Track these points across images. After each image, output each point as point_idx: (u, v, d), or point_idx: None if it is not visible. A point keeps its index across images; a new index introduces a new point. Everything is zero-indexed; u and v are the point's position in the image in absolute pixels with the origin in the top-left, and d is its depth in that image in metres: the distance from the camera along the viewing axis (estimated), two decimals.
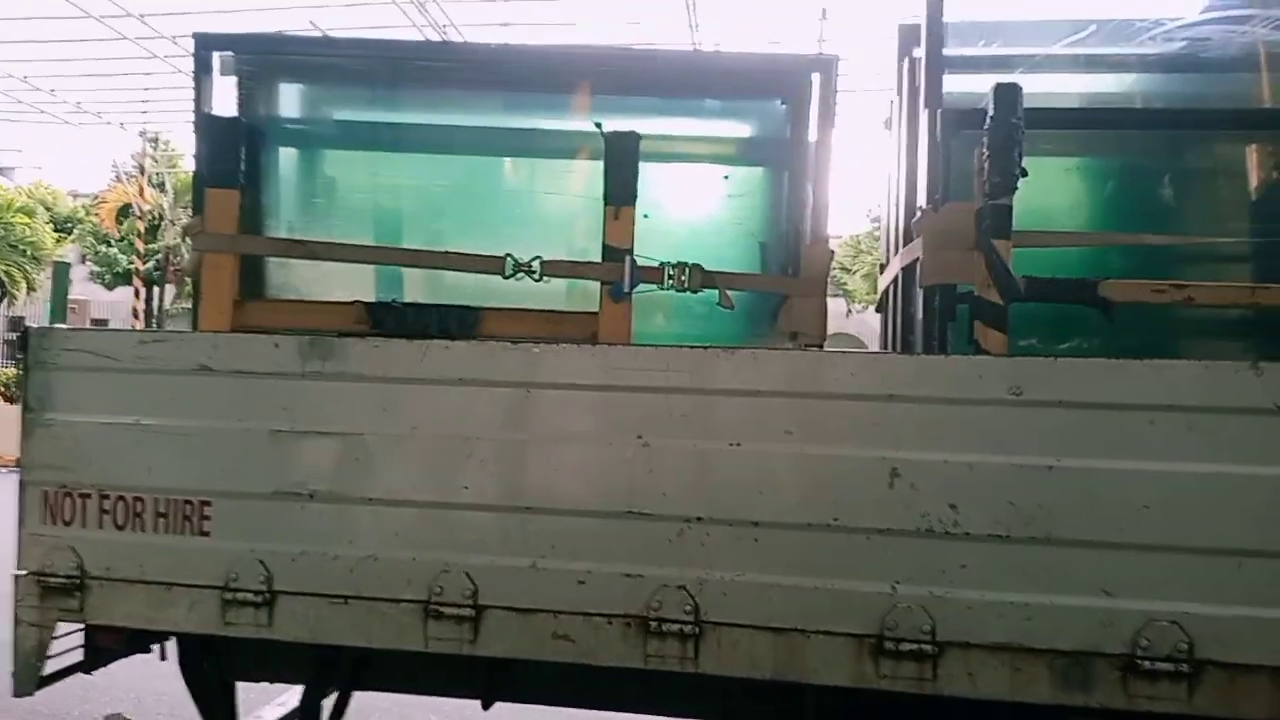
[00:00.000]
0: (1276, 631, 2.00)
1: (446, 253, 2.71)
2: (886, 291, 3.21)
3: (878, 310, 3.43)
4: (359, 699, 3.00)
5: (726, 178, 2.96)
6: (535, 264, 2.60)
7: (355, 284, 3.00)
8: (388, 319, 2.54)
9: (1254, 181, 2.70)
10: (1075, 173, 2.77)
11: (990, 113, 2.26)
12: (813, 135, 2.75)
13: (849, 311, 21.47)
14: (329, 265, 3.00)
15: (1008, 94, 2.24)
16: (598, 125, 2.68)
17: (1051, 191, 2.74)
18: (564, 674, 2.33)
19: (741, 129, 3.14)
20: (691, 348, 2.26)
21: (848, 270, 22.28)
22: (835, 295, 22.54)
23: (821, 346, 2.71)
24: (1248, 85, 2.69)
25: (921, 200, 2.59)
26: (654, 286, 2.66)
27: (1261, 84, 2.64)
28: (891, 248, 3.15)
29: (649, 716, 2.56)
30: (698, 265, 2.59)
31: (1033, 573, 2.09)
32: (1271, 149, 2.66)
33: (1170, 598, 2.04)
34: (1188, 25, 2.72)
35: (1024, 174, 2.25)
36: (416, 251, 2.77)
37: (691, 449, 2.21)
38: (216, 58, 3.03)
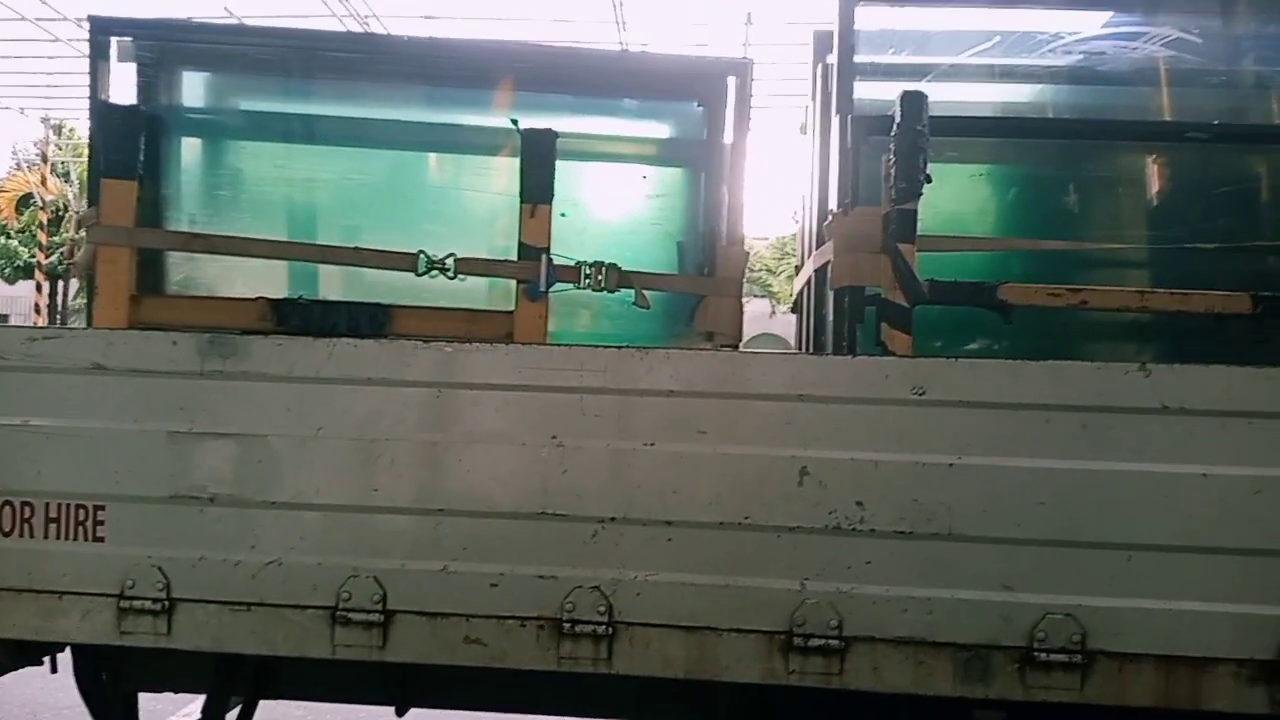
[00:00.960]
0: (1161, 622, 2.10)
1: (356, 249, 2.65)
2: (801, 293, 3.27)
3: (793, 311, 3.49)
4: (273, 708, 2.91)
5: (645, 178, 2.97)
6: (449, 261, 2.57)
7: (266, 281, 2.91)
8: (293, 316, 2.47)
9: (1150, 190, 2.83)
10: (981, 179, 2.86)
11: (897, 120, 2.32)
12: (729, 138, 2.78)
13: (773, 312, 21.81)
14: (235, 261, 2.91)
15: (913, 102, 2.30)
16: (514, 122, 2.66)
17: (959, 198, 2.83)
18: (478, 678, 2.31)
19: (660, 130, 3.16)
20: (606, 347, 2.26)
21: (773, 272, 22.65)
22: (761, 296, 22.92)
23: (737, 346, 2.74)
24: (1140, 98, 2.83)
25: (833, 204, 2.64)
26: (571, 286, 2.65)
27: (1152, 97, 2.78)
28: (807, 250, 3.20)
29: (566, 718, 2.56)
30: (614, 265, 2.59)
31: (935, 568, 2.14)
32: (1166, 159, 2.79)
33: (1065, 591, 2.12)
34: (1085, 40, 2.84)
35: (928, 180, 2.32)
36: (324, 247, 2.71)
37: (606, 449, 2.21)
38: (114, 43, 2.91)
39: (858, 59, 2.76)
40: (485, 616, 2.17)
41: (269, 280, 2.92)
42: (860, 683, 2.14)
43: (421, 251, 2.58)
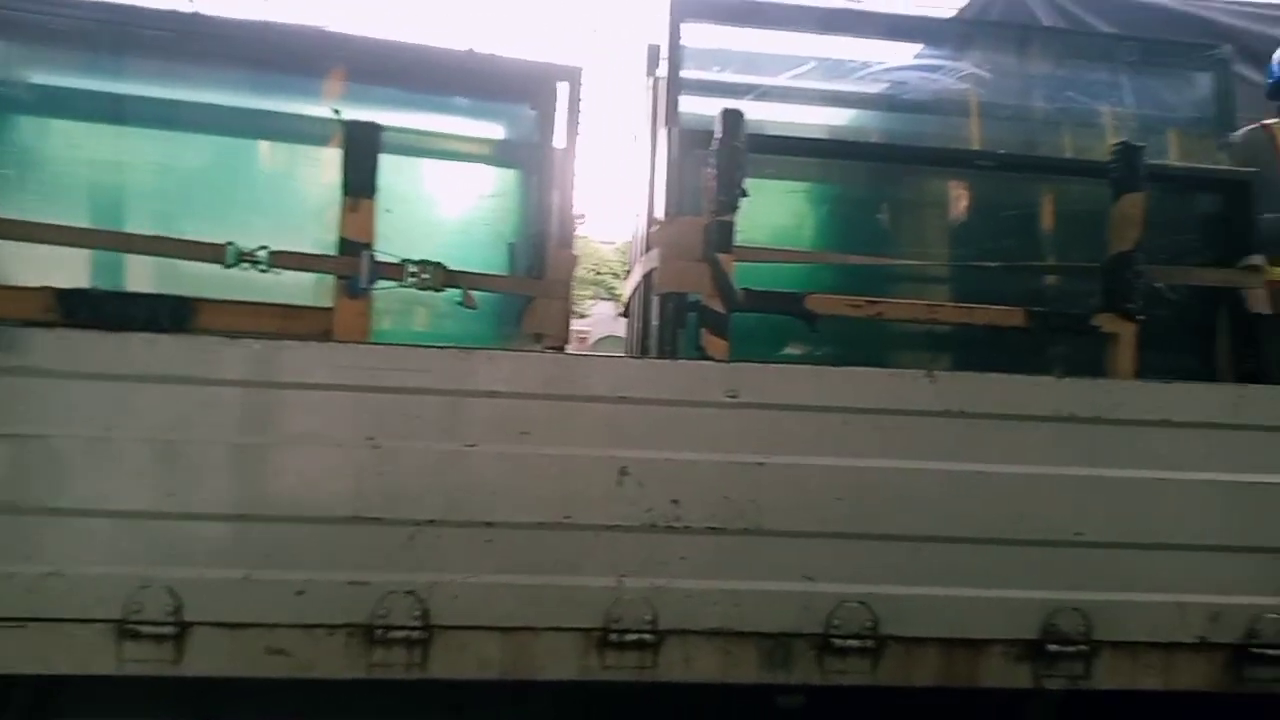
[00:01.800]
0: (944, 608, 2.29)
1: (156, 237, 2.49)
2: (632, 297, 3.34)
3: (624, 315, 3.56)
4: None
5: (477, 178, 2.95)
6: (261, 253, 2.45)
7: (68, 270, 2.67)
8: (82, 308, 2.29)
9: (946, 212, 3.08)
10: (798, 196, 3.02)
11: (717, 135, 2.42)
12: (561, 142, 2.80)
13: (619, 315, 22.02)
14: (23, 247, 2.66)
15: (732, 119, 2.41)
16: (336, 111, 2.58)
17: (778, 212, 2.97)
18: (284, 690, 2.22)
19: (493, 131, 3.14)
20: (427, 347, 2.24)
21: (619, 275, 22.89)
22: (608, 299, 23.11)
23: (563, 349, 2.77)
24: (937, 126, 3.07)
25: (659, 213, 2.72)
26: (394, 283, 2.59)
27: (949, 126, 3.03)
28: (637, 256, 3.28)
29: None
30: (440, 264, 2.55)
31: (743, 562, 2.25)
32: (959, 184, 3.04)
33: (859, 580, 2.28)
34: (890, 69, 3.07)
35: (745, 194, 2.43)
36: (118, 234, 2.52)
37: (426, 450, 2.19)
38: None
39: (685, 75, 2.85)
40: (290, 626, 2.09)
41: (72, 270, 2.68)
42: (672, 674, 2.21)
43: (230, 242, 2.46)
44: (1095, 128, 3.06)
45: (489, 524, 2.18)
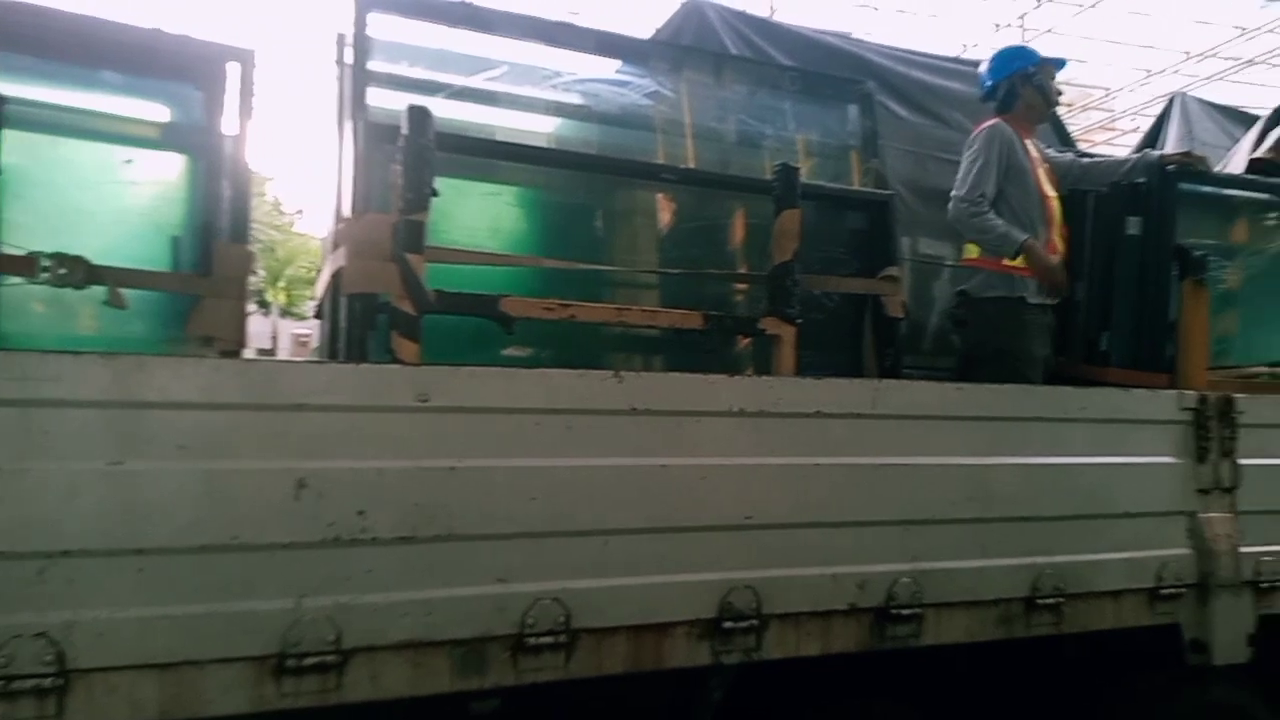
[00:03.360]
0: (632, 595, 2.39)
1: None
2: (323, 299, 3.16)
3: (316, 317, 3.36)
4: None
5: (130, 162, 2.63)
6: None
7: None
8: None
9: (634, 220, 3.24)
10: (497, 198, 3.02)
11: (403, 132, 2.35)
12: (232, 127, 2.58)
13: (313, 316, 20.83)
14: None
15: (419, 116, 2.35)
16: None
17: (475, 213, 2.96)
18: None
19: (154, 111, 2.82)
20: (60, 353, 1.95)
21: None
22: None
23: (239, 352, 2.55)
24: (626, 138, 3.22)
25: (347, 209, 2.60)
26: (23, 279, 2.25)
27: (637, 138, 3.19)
28: (328, 255, 3.11)
29: None
30: (80, 258, 2.25)
31: (435, 569, 2.20)
32: (646, 194, 3.22)
33: (552, 577, 2.31)
34: (582, 80, 3.17)
35: (435, 193, 2.38)
36: None
37: (59, 472, 1.90)
38: None
39: (375, 68, 2.75)
40: None
41: None
42: (358, 694, 2.11)
43: None
44: (762, 149, 3.38)
45: (139, 551, 1.94)
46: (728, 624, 2.47)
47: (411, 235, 2.36)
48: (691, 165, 3.21)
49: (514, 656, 2.26)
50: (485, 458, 2.25)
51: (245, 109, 2.54)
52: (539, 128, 3.25)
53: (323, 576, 2.09)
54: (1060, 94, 3.95)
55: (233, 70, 2.55)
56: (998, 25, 11.20)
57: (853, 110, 3.69)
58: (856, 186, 3.56)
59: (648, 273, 2.95)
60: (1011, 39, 10.83)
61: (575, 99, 3.17)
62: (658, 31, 4.31)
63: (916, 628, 2.69)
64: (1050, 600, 2.84)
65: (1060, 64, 4.00)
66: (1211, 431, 3.10)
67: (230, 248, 2.50)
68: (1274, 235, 4.12)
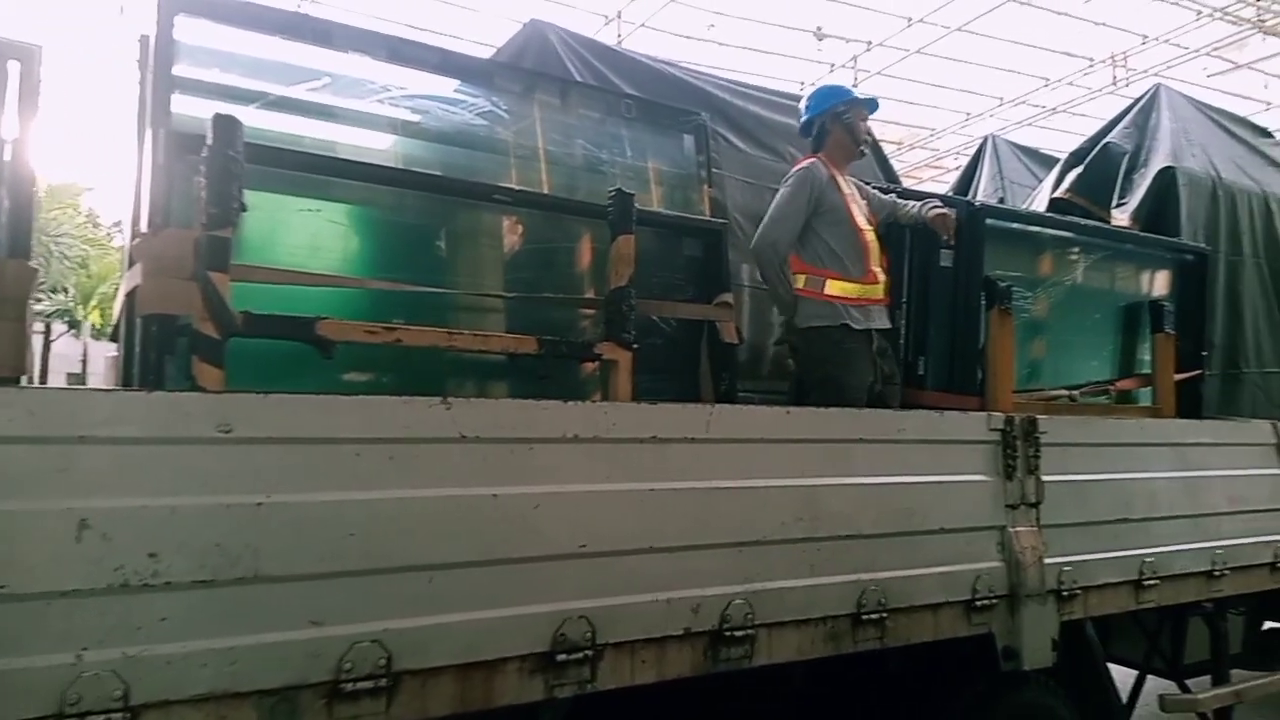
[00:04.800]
0: (459, 633, 2.29)
1: None
2: (119, 319, 2.90)
3: (113, 340, 3.08)
4: None
5: None
6: None
7: None
8: None
9: (469, 242, 3.15)
10: (316, 215, 2.86)
11: (208, 142, 2.19)
12: (10, 131, 2.33)
13: (109, 339, 19.47)
14: None
15: (226, 126, 2.20)
16: None
17: (292, 230, 2.79)
18: None
19: None
20: None
21: None
22: None
23: (19, 380, 2.29)
24: (458, 157, 3.13)
25: (145, 223, 2.39)
26: None
27: (468, 158, 3.11)
28: (126, 271, 2.86)
29: None
30: None
31: (239, 615, 2.03)
32: (480, 215, 3.14)
33: (372, 618, 2.18)
34: (411, 96, 3.07)
35: (243, 208, 2.23)
36: None
37: None
38: None
39: (182, 73, 2.55)
40: None
41: None
42: None
43: None
44: (601, 174, 3.38)
45: None
46: (561, 656, 2.41)
47: (215, 252, 2.19)
48: (527, 188, 3.15)
49: (329, 704, 2.11)
50: (297, 492, 2.10)
51: (27, 111, 2.30)
52: (370, 143, 3.12)
53: (108, 627, 1.89)
54: (870, 134, 4.09)
55: (12, 69, 2.30)
56: (832, 66, 11.84)
57: (689, 140, 3.76)
58: (693, 214, 3.62)
59: (477, 295, 2.87)
60: (845, 79, 11.45)
61: (406, 115, 3.06)
62: (498, 52, 4.27)
63: (750, 648, 2.72)
64: (875, 615, 2.94)
65: (872, 105, 4.19)
66: (1017, 450, 3.32)
67: (9, 264, 2.24)
68: (1074, 268, 4.50)
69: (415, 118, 3.09)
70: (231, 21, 2.76)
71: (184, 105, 2.56)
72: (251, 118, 2.49)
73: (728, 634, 2.68)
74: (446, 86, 3.19)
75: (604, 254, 3.16)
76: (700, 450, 2.71)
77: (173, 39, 2.49)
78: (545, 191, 3.33)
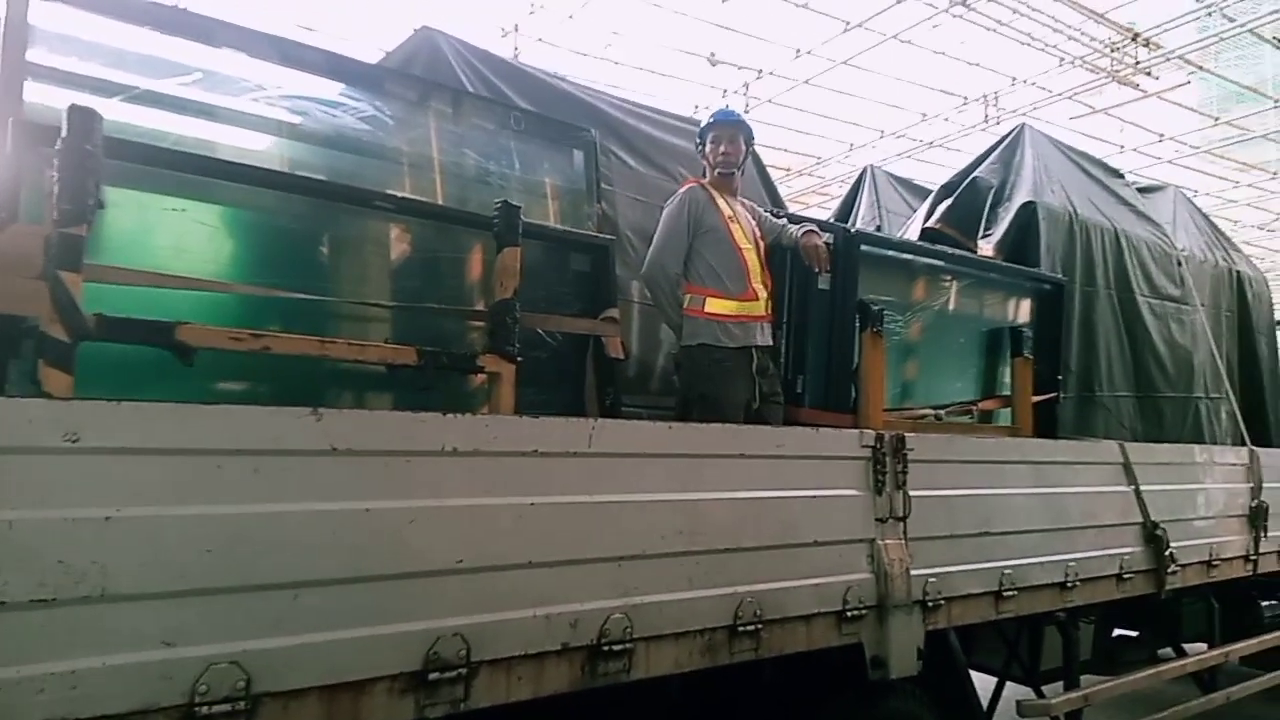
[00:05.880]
0: (325, 653, 2.20)
1: None
2: None
3: None
4: None
5: None
6: None
7: None
8: None
9: (348, 248, 3.06)
10: (183, 215, 2.73)
11: (63, 134, 2.06)
12: None
13: None
14: None
15: (83, 118, 2.08)
16: None
17: (156, 230, 2.65)
18: None
19: None
20: None
21: None
22: None
23: None
24: (338, 161, 3.05)
25: None
26: None
27: (349, 162, 3.03)
28: None
29: None
30: None
31: (84, 636, 1.90)
32: (360, 222, 3.05)
33: (231, 638, 2.08)
34: (289, 96, 2.97)
35: (101, 205, 2.11)
36: None
37: None
38: None
39: (37, 59, 2.40)
40: None
41: None
42: None
43: None
44: (488, 185, 3.35)
45: None
46: (434, 675, 2.35)
47: (67, 250, 2.06)
48: (411, 196, 3.09)
49: None
50: (151, 505, 1.99)
51: None
52: (248, 144, 3.00)
53: None
54: (724, 155, 4.15)
55: None
56: (725, 91, 12.14)
57: (579, 155, 3.78)
58: (581, 229, 3.64)
59: (354, 304, 2.79)
60: (737, 105, 11.76)
61: (287, 116, 2.96)
62: (387, 57, 4.19)
63: (628, 662, 2.73)
64: (751, 626, 3.00)
65: (720, 121, 4.24)
66: (887, 466, 3.46)
67: None
68: (942, 294, 4.74)
69: (296, 120, 2.98)
70: (97, 9, 2.61)
71: (39, 94, 2.41)
72: (118, 111, 2.36)
73: (606, 648, 2.67)
74: (331, 90, 3.10)
75: (493, 266, 3.13)
76: (582, 465, 2.71)
77: (27, 22, 2.34)
78: (433, 201, 3.28)
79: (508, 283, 2.78)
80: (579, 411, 3.31)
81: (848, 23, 10.88)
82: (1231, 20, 10.99)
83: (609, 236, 3.56)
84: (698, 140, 4.33)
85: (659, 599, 2.81)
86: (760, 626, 3.02)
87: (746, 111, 12.12)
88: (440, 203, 3.26)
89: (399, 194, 2.99)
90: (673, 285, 3.90)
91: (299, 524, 2.19)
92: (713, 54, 11.45)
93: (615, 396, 3.36)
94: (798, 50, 11.68)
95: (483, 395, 3.19)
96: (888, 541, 3.44)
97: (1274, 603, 6.49)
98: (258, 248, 2.85)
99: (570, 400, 3.36)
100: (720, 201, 4.08)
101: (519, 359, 2.86)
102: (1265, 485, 5.80)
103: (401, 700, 2.33)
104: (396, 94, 3.38)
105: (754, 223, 4.21)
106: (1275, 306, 7.63)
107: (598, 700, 2.79)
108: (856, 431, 3.50)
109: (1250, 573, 5.71)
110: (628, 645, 2.71)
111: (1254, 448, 5.97)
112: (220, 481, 2.09)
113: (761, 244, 4.18)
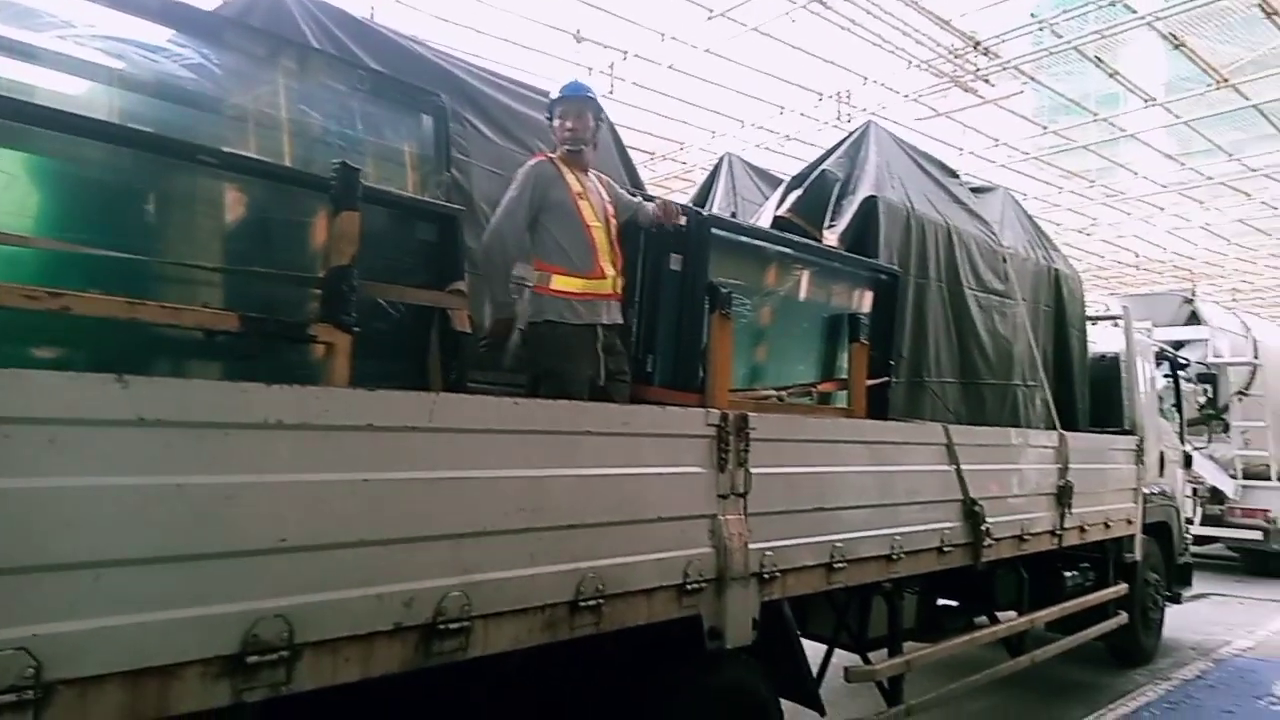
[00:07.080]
0: (129, 637, 2.05)
1: None
2: None
3: None
4: None
5: None
6: None
7: None
8: None
9: (170, 204, 2.83)
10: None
11: None
12: None
13: None
14: None
15: None
16: None
17: None
18: None
19: None
20: None
21: None
22: None
23: None
24: (155, 109, 2.80)
25: None
26: None
27: (168, 111, 2.79)
28: None
29: None
30: None
31: None
32: (186, 177, 2.82)
33: (20, 623, 1.90)
34: (102, 36, 2.71)
35: None
36: None
37: None
38: None
39: None
40: None
41: None
42: None
43: None
44: (327, 146, 3.18)
45: None
46: (253, 658, 2.24)
47: None
48: (240, 152, 2.89)
49: None
50: None
51: None
52: (62, 88, 2.71)
53: None
54: (570, 131, 4.15)
55: None
56: (590, 69, 12.06)
57: (428, 121, 3.66)
58: (428, 197, 3.52)
59: (171, 264, 2.59)
60: (601, 85, 11.71)
61: (104, 59, 2.69)
62: (223, 6, 3.90)
63: (465, 640, 2.69)
64: (592, 601, 3.02)
65: (567, 96, 4.24)
66: (730, 445, 3.55)
67: None
68: (788, 280, 4.89)
69: (118, 64, 2.72)
70: None
71: None
72: None
73: (442, 627, 2.63)
74: (159, 35, 2.84)
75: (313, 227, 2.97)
76: (422, 439, 2.64)
77: None
78: (265, 159, 3.08)
79: (345, 249, 2.65)
80: (422, 386, 3.21)
81: (711, 10, 11.02)
82: (1060, 36, 11.84)
83: (457, 206, 3.46)
84: (547, 114, 4.30)
85: (499, 576, 2.78)
86: (602, 601, 3.05)
87: (611, 92, 12.11)
88: (272, 162, 3.06)
89: (222, 149, 2.77)
90: (507, 260, 3.86)
91: (100, 500, 2.03)
92: (579, 31, 11.35)
93: (460, 371, 3.29)
94: (663, 35, 11.74)
95: (322, 370, 3.05)
96: (728, 517, 3.54)
97: (1074, 573, 7.13)
98: (67, 201, 2.60)
99: (413, 374, 3.25)
100: (570, 177, 4.05)
101: (356, 329, 2.73)
102: (1071, 466, 6.34)
103: (216, 685, 2.21)
104: (234, 45, 3.15)
105: (607, 200, 4.20)
106: (1086, 303, 8.34)
107: (433, 682, 2.74)
108: (702, 410, 3.58)
109: (1056, 546, 6.25)
110: (465, 623, 2.68)
111: (1063, 432, 6.52)
112: (9, 453, 1.90)
113: (613, 222, 4.18)
